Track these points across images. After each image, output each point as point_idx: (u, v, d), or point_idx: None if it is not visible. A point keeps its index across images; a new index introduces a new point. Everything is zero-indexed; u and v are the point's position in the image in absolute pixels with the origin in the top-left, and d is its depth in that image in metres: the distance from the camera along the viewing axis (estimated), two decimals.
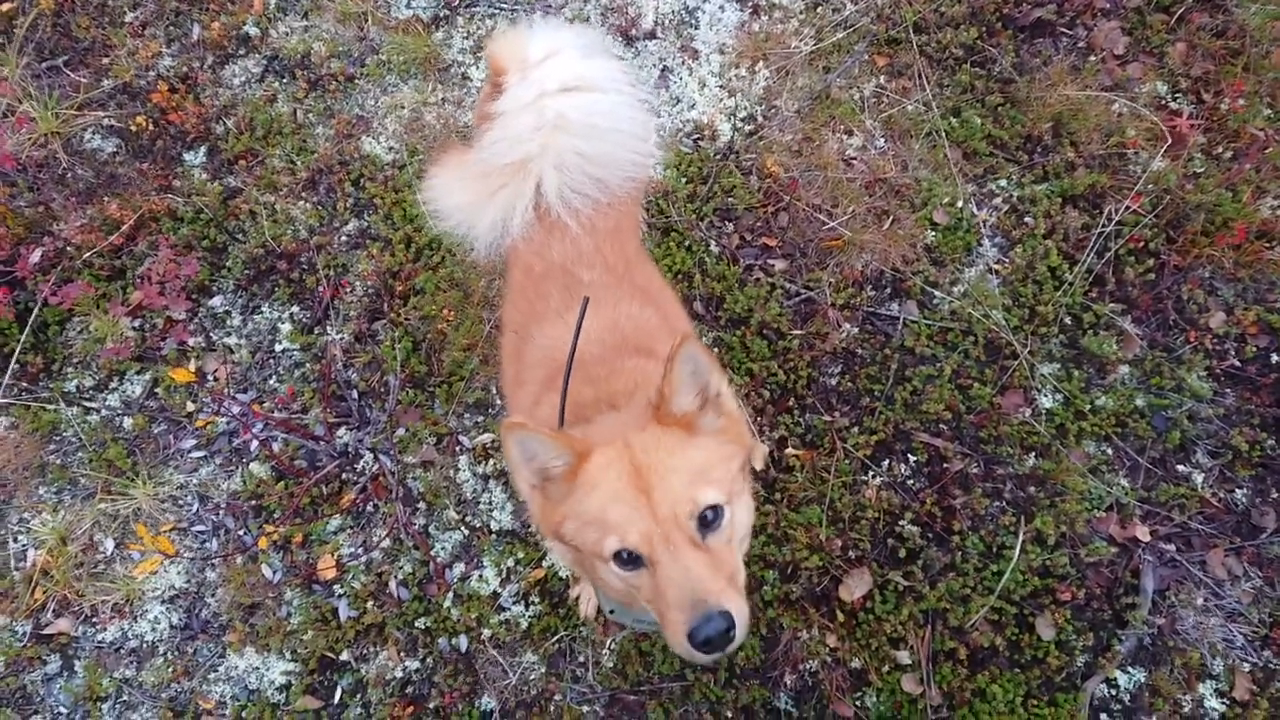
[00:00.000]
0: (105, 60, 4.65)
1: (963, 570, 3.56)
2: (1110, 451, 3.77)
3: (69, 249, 4.17)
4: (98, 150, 4.48)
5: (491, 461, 3.84)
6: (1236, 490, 3.70)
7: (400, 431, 3.88)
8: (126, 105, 4.55)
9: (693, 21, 4.64)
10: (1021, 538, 3.58)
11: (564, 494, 2.10)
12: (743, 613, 1.94)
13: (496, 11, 4.68)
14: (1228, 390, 3.85)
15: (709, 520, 2.00)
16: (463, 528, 3.76)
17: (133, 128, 4.47)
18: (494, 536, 3.74)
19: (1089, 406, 3.81)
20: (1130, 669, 3.46)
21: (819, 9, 4.62)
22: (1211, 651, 3.47)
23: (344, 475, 3.86)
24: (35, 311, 4.08)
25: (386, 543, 3.73)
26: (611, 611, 2.69)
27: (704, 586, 1.92)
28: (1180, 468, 3.75)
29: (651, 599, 2.02)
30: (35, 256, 4.12)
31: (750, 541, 2.39)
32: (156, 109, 4.47)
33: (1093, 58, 4.43)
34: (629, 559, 2.00)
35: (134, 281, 4.17)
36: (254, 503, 3.84)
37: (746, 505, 2.15)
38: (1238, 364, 3.87)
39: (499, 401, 3.91)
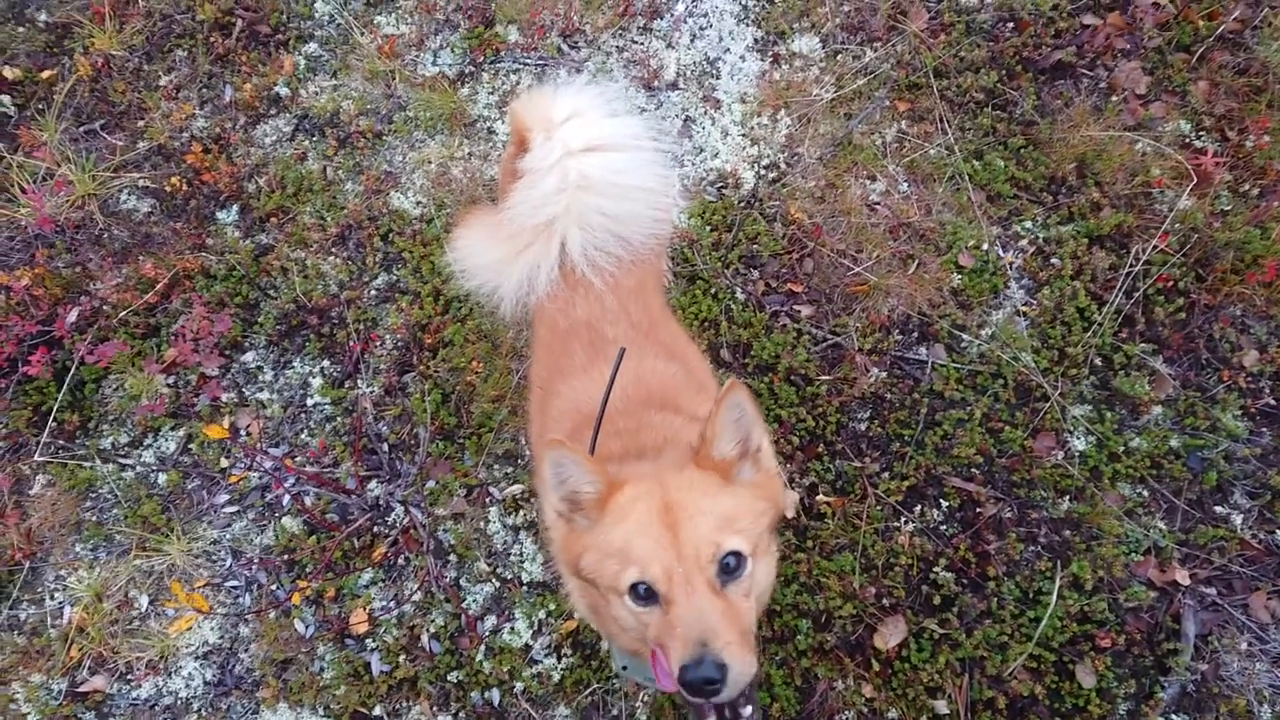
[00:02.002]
0: (141, 123, 4.77)
1: (999, 617, 3.51)
2: (1146, 494, 3.73)
3: (105, 308, 4.25)
4: (133, 211, 4.58)
5: (522, 513, 3.84)
6: (1277, 531, 3.64)
7: (431, 484, 3.90)
8: (161, 166, 4.65)
9: (714, 72, 4.70)
10: (1058, 583, 3.53)
11: (589, 524, 2.14)
12: (744, 670, 1.92)
13: (521, 67, 4.76)
14: (1264, 429, 3.80)
15: (730, 568, 2.02)
16: (494, 580, 3.76)
17: (167, 188, 4.57)
18: (525, 588, 3.73)
19: (1123, 448, 3.77)
20: (1174, 717, 3.39)
21: (839, 56, 4.67)
22: (1258, 698, 3.39)
23: (375, 528, 3.87)
24: (72, 370, 4.15)
25: (418, 596, 3.73)
26: (624, 668, 2.68)
27: (713, 631, 1.91)
28: (1218, 509, 3.69)
29: (658, 635, 2.01)
30: (72, 316, 4.21)
31: (771, 595, 2.41)
32: (190, 169, 4.57)
33: (1115, 98, 4.44)
34: (645, 594, 2.01)
35: (168, 339, 4.23)
36: (286, 557, 3.86)
37: (769, 565, 2.16)
38: (1273, 402, 3.82)
39: (528, 452, 3.92)
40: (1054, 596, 3.49)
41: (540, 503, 2.24)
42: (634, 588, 2.03)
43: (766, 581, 2.16)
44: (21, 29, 5.04)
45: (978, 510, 3.71)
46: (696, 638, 1.90)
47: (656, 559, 1.99)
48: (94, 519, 4.00)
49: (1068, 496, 3.73)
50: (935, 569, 3.62)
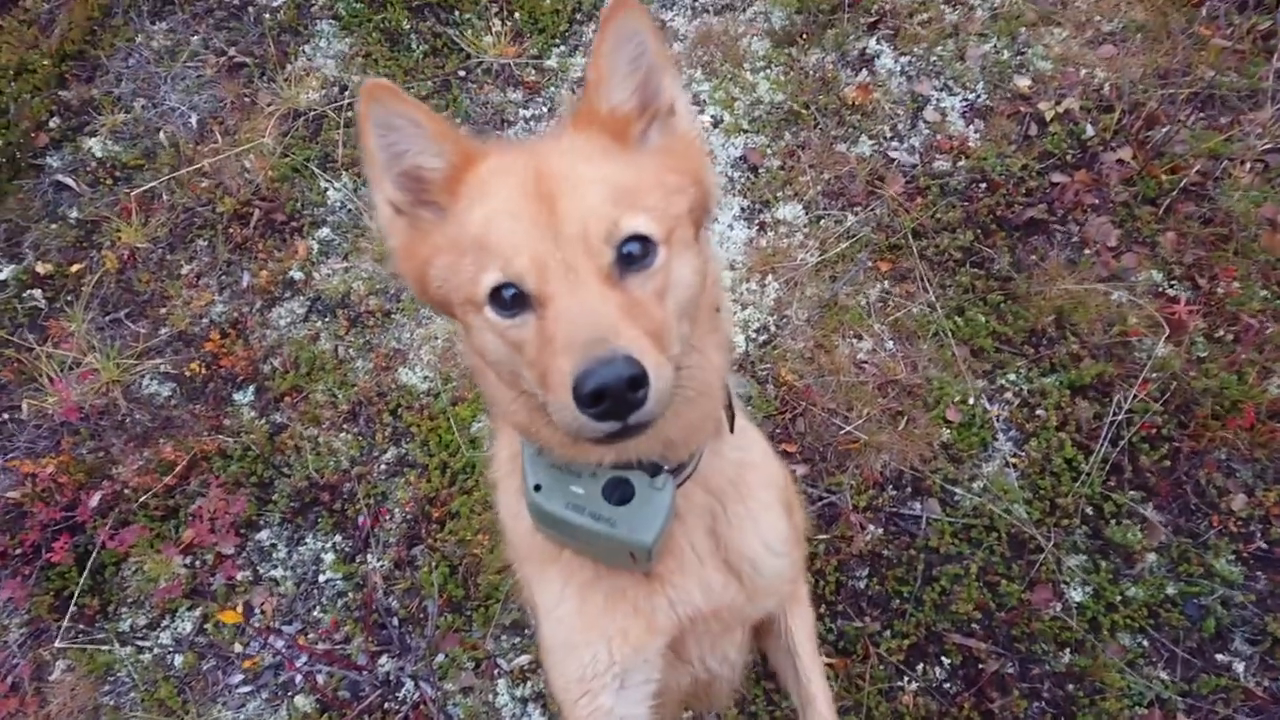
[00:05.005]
0: (163, 310, 5.04)
1: None
2: (1146, 643, 3.75)
3: (126, 491, 4.42)
4: (154, 395, 4.79)
5: (529, 683, 3.89)
6: None
7: (440, 657, 3.97)
8: (182, 351, 4.89)
9: None
10: None
11: (438, 217, 1.62)
12: (665, 376, 1.40)
13: None
14: (1259, 574, 3.85)
15: (633, 257, 1.49)
16: None
17: (187, 373, 4.80)
18: None
19: (1119, 597, 3.81)
20: None
21: (822, 222, 4.92)
22: None
23: (386, 704, 3.92)
24: (94, 555, 4.29)
25: None
26: (537, 488, 1.77)
27: (609, 326, 1.38)
28: (1220, 657, 3.71)
29: (535, 359, 1.46)
30: (95, 501, 4.37)
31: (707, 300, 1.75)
32: (209, 354, 4.80)
33: (1087, 251, 4.64)
34: (512, 301, 1.48)
35: (186, 520, 4.38)
36: None
37: (692, 263, 1.61)
38: (1265, 546, 3.88)
39: (533, 623, 4.00)
40: None
41: (372, 196, 1.66)
42: (496, 294, 1.48)
43: (691, 284, 1.59)
44: (54, 225, 5.38)
45: (980, 667, 3.74)
46: (585, 338, 1.36)
47: (524, 245, 1.45)
48: (111, 703, 4.07)
49: (1068, 649, 3.76)
50: None
